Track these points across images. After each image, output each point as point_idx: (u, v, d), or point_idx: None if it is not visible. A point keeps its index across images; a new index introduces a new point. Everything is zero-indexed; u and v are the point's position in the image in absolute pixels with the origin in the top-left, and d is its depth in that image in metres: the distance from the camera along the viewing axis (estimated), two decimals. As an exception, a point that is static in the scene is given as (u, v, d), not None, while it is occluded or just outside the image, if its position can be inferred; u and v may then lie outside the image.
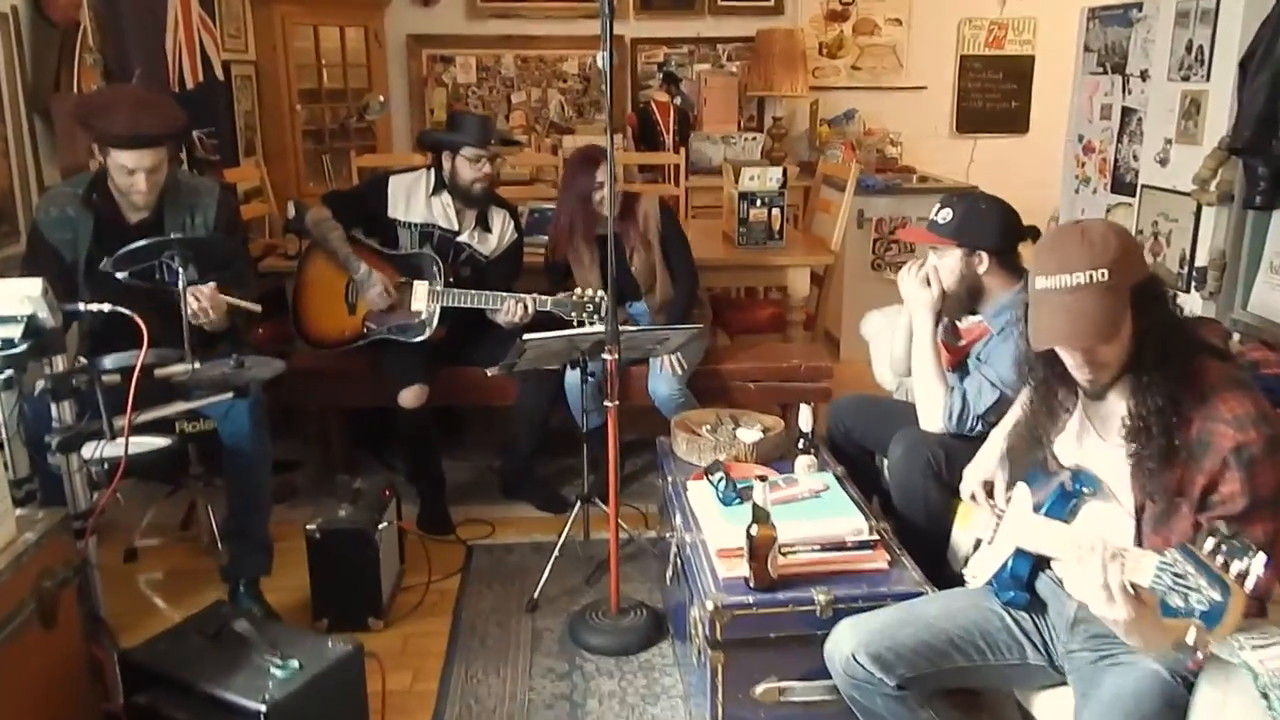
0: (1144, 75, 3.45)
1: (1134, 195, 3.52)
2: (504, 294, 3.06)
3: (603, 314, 2.91)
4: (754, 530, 1.86)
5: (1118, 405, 1.60)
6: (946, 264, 2.26)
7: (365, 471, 3.47)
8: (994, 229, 2.23)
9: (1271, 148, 2.67)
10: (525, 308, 3.00)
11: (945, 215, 2.24)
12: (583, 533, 2.90)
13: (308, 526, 2.49)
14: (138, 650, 1.87)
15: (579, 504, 2.85)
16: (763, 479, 1.87)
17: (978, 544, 2.01)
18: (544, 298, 3.04)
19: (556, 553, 2.75)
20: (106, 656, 1.93)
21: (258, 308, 2.55)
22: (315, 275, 3.25)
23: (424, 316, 3.14)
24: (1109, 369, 1.56)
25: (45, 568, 1.74)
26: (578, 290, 3.01)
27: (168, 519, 3.08)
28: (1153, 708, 1.50)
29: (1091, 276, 1.49)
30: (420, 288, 3.14)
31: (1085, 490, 1.66)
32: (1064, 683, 1.72)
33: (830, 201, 4.22)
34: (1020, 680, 1.77)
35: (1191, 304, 3.07)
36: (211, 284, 2.29)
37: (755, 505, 1.85)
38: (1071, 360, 1.59)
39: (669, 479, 2.46)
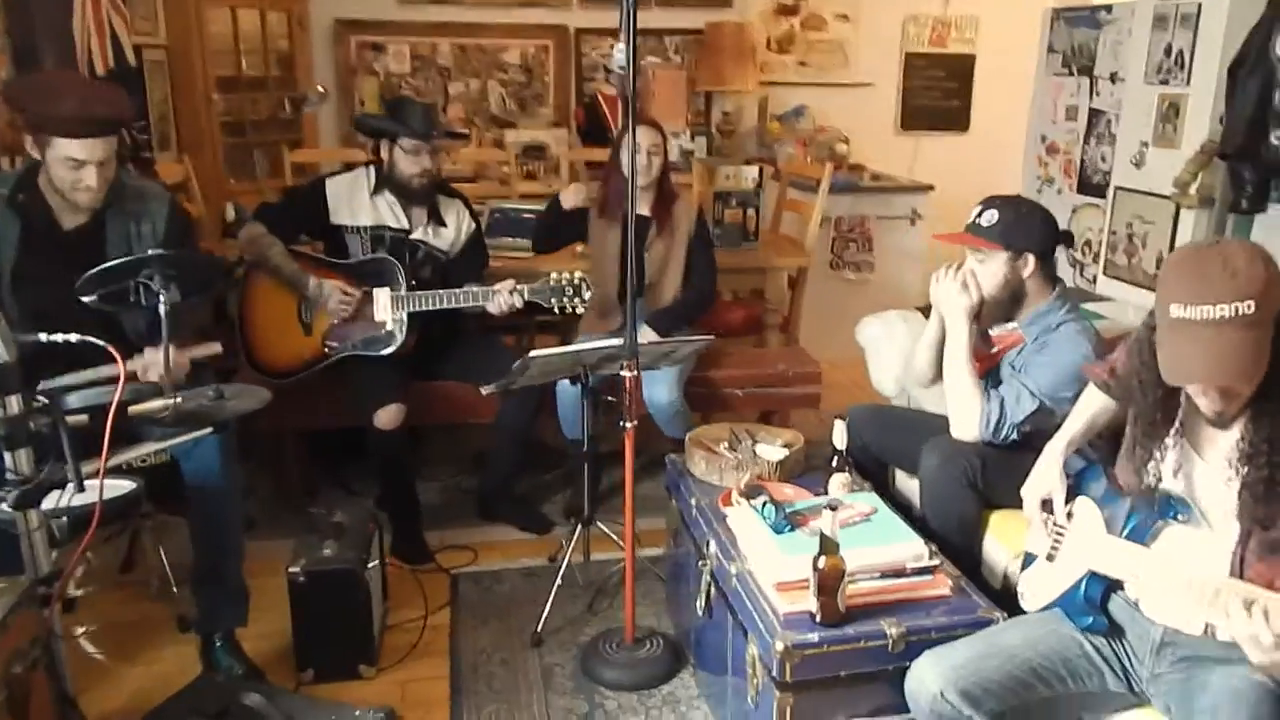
0: (1114, 78, 3.47)
1: (1102, 197, 3.54)
2: (477, 289, 2.84)
3: (584, 297, 2.78)
4: (822, 563, 1.72)
5: (1232, 431, 1.53)
6: (989, 269, 2.17)
7: (323, 497, 3.21)
8: (1039, 232, 2.16)
9: (1261, 153, 2.70)
10: (522, 296, 2.80)
11: (990, 218, 2.15)
12: (584, 556, 2.71)
13: (290, 569, 2.23)
14: (127, 736, 1.61)
15: (579, 526, 2.66)
16: (832, 508, 1.73)
17: (1027, 559, 1.93)
18: (521, 286, 2.84)
19: (559, 580, 2.55)
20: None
21: (218, 348, 2.24)
22: (261, 299, 2.93)
23: (390, 327, 2.88)
24: (1240, 400, 1.48)
25: (15, 649, 1.46)
26: (553, 274, 2.82)
27: (104, 562, 2.74)
28: (1272, 711, 1.44)
29: (1238, 310, 1.38)
30: (382, 296, 2.88)
31: (1179, 516, 1.57)
32: (1139, 704, 1.66)
33: (799, 201, 4.13)
34: (1099, 705, 1.69)
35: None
36: (172, 350, 1.97)
37: (824, 536, 1.71)
38: (1200, 390, 1.49)
39: (690, 500, 2.29)
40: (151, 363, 1.90)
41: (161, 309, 1.71)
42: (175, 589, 2.53)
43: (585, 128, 5.26)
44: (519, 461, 3.11)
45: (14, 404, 1.52)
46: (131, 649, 2.43)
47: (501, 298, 2.80)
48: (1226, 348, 1.40)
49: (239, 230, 2.99)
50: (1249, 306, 1.38)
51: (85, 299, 1.74)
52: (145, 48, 4.07)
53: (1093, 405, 1.90)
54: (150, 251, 1.85)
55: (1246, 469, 1.47)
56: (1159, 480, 1.61)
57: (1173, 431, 1.61)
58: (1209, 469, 1.56)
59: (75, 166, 2.03)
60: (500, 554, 2.95)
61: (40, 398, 1.55)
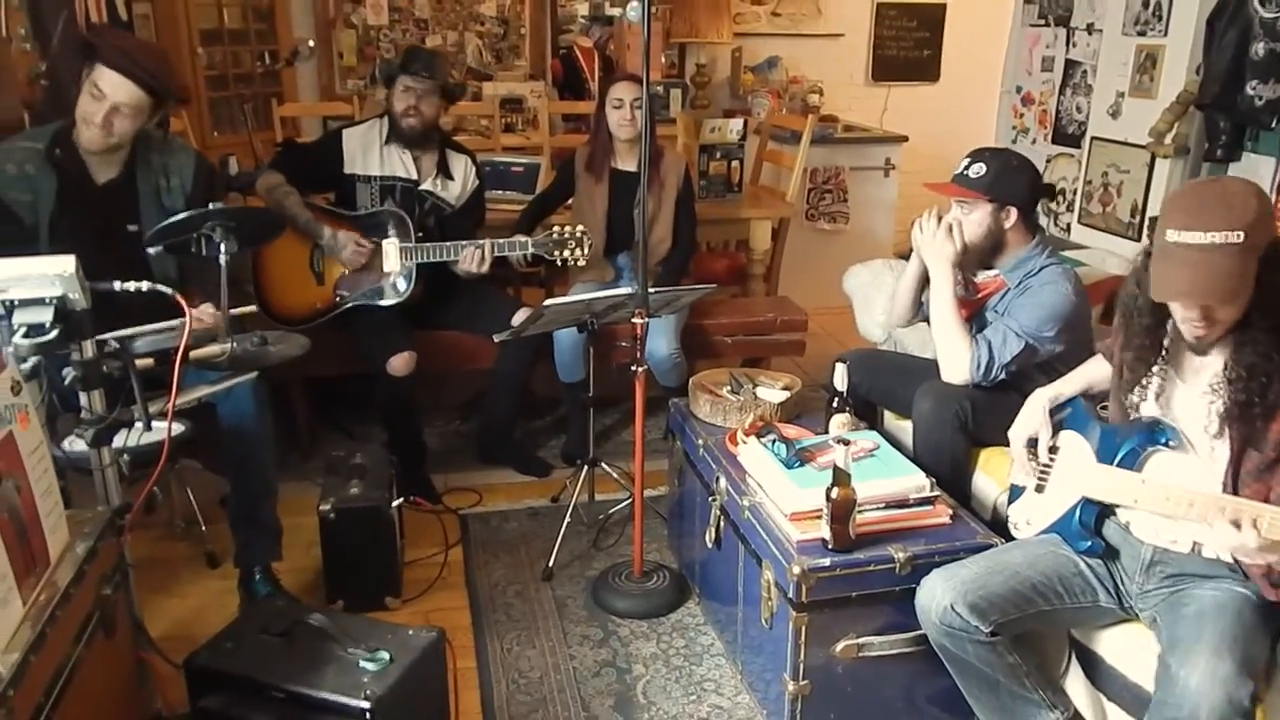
0: (1091, 28, 3.58)
1: (1077, 147, 3.69)
2: (484, 241, 2.93)
3: (585, 249, 2.90)
4: (835, 493, 1.88)
5: (1215, 359, 1.67)
6: (974, 218, 2.30)
7: (324, 442, 3.29)
8: (1025, 185, 2.30)
9: (1237, 103, 2.82)
10: (484, 254, 2.89)
11: (978, 170, 2.28)
12: (589, 496, 2.86)
13: (321, 507, 2.36)
14: (202, 653, 1.73)
15: (585, 467, 2.80)
16: (844, 443, 1.89)
17: (1013, 492, 2.10)
18: (524, 239, 2.94)
19: (568, 518, 2.70)
20: (150, 660, 1.79)
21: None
22: (274, 247, 2.95)
23: (398, 277, 2.97)
24: (1221, 326, 1.61)
25: (102, 574, 1.59)
26: (556, 227, 2.92)
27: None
28: (1252, 617, 1.62)
29: (1226, 238, 1.52)
30: (390, 247, 2.96)
31: (1169, 443, 1.72)
32: (1127, 620, 1.84)
33: (780, 153, 4.24)
34: (1090, 620, 1.87)
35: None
36: (211, 309, 2.07)
37: (837, 468, 1.87)
38: (1186, 314, 1.62)
39: (695, 441, 2.44)
40: (205, 311, 1.99)
41: (222, 259, 1.79)
42: (204, 528, 2.63)
43: (562, 80, 5.29)
44: (517, 407, 3.22)
45: (89, 348, 1.61)
46: (165, 584, 2.54)
47: (468, 252, 2.88)
48: (1212, 271, 1.53)
49: (248, 181, 3.02)
50: (1238, 236, 1.51)
51: (151, 250, 1.82)
52: (134, 1, 4.03)
53: (1091, 374, 2.03)
54: (212, 206, 1.92)
55: (1229, 393, 1.61)
56: (1141, 404, 1.76)
57: (1159, 360, 1.76)
58: (1191, 395, 1.70)
59: (98, 97, 2.08)
60: (504, 495, 3.08)
61: (111, 342, 1.63)
